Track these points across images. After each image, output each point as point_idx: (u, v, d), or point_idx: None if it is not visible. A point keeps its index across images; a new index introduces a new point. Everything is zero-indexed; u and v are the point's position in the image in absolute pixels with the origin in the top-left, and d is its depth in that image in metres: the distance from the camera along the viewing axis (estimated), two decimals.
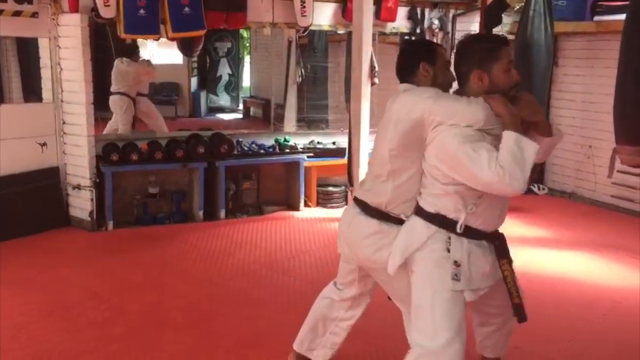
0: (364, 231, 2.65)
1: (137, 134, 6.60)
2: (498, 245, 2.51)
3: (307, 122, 7.33)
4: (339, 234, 2.85)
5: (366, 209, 2.67)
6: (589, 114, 6.87)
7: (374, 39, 6.22)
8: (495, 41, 2.48)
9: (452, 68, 2.64)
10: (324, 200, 6.72)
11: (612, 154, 5.79)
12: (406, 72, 2.66)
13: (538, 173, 6.75)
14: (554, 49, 7.03)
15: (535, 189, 7.26)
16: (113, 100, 6.99)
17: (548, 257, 5.14)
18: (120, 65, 7.03)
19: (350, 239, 2.74)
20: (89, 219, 5.62)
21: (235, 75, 9.70)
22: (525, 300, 2.57)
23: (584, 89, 6.95)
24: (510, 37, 7.21)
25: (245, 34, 10.03)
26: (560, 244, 5.55)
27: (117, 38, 5.80)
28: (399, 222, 2.59)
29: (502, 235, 2.59)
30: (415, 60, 2.63)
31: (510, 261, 2.52)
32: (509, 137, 2.27)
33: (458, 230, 2.43)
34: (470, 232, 2.45)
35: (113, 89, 6.99)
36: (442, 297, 2.40)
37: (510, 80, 2.44)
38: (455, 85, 2.61)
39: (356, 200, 2.75)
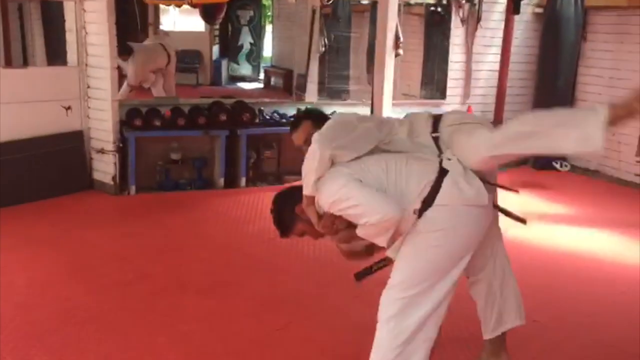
0: None
1: (160, 100, 6.61)
2: None
3: (329, 93, 7.27)
4: None
5: None
6: (616, 90, 6.73)
7: (399, 10, 6.14)
8: None
9: None
10: None
11: None
12: None
13: None
14: (584, 23, 6.90)
15: (558, 166, 7.19)
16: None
17: (569, 234, 5.11)
18: (138, 56, 6.83)
19: None
20: (112, 182, 5.68)
21: (257, 44, 9.66)
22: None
23: (612, 65, 6.81)
24: (539, 10, 7.11)
25: (266, 2, 9.97)
26: (582, 221, 5.50)
27: (142, 3, 5.76)
28: None
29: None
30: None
31: None
32: None
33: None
34: None
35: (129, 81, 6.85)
36: None
37: None
38: None
39: None
